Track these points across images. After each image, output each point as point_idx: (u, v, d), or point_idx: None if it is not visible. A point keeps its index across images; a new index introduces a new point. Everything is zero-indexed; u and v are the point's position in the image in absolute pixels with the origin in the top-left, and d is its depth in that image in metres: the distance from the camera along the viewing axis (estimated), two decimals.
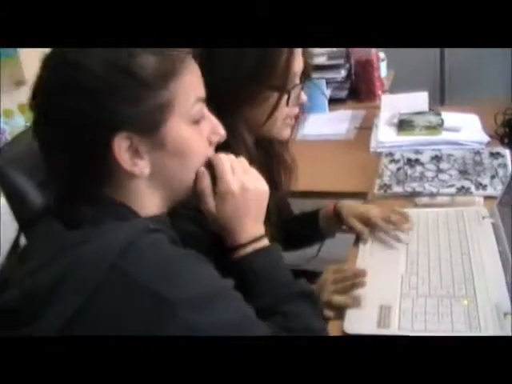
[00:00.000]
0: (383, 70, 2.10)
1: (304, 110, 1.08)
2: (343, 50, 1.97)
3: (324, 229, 1.23)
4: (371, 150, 1.56)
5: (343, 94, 2.02)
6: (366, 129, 1.73)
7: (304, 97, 1.02)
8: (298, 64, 0.98)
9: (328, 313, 0.93)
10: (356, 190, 1.38)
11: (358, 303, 0.93)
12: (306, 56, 1.02)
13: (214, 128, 0.75)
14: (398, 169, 1.39)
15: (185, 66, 0.68)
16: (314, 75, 1.92)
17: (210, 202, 0.76)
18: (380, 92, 1.99)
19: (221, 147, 0.91)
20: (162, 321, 0.57)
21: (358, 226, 1.14)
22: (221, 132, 0.76)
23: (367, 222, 1.13)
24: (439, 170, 1.35)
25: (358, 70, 1.98)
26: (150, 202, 0.70)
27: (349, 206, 1.17)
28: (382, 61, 2.07)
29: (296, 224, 1.27)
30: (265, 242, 0.80)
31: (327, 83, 1.98)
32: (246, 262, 0.77)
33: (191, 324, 0.58)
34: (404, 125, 1.58)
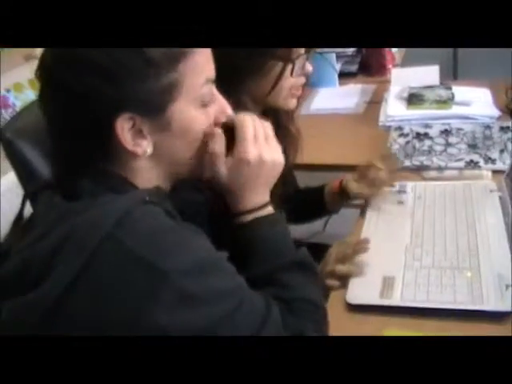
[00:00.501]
0: None
1: (310, 80, 1.07)
2: None
3: (329, 204, 1.23)
4: (380, 123, 1.55)
5: (354, 68, 1.99)
6: (375, 103, 1.72)
7: (309, 67, 1.02)
8: None
9: (332, 282, 0.93)
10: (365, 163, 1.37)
11: (360, 272, 0.93)
12: None
13: (221, 108, 0.73)
14: (407, 142, 1.38)
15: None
16: (324, 49, 1.93)
17: (221, 165, 0.74)
18: (391, 66, 1.96)
19: None
20: (154, 289, 0.57)
21: (366, 190, 1.14)
22: (228, 112, 0.74)
23: (373, 183, 1.14)
24: (448, 144, 1.33)
25: None
26: (150, 179, 0.70)
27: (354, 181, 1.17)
28: None
29: (301, 198, 1.28)
30: (269, 209, 0.79)
31: (337, 57, 1.95)
32: (247, 229, 0.76)
33: (183, 290, 0.58)
34: (414, 99, 1.56)
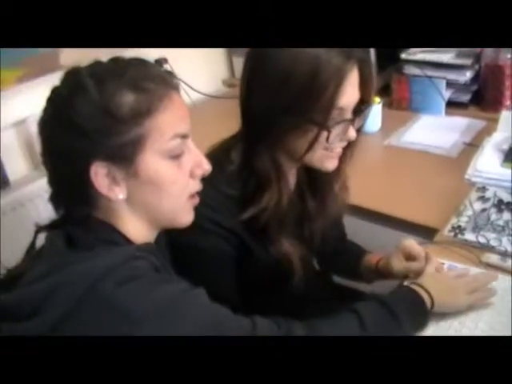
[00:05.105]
0: None
1: (358, 141, 0.97)
2: (474, 49, 1.73)
3: (363, 276, 1.15)
4: (466, 176, 1.38)
5: (466, 97, 1.79)
6: (475, 146, 1.54)
7: (353, 133, 0.92)
8: (347, 98, 0.88)
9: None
10: (426, 224, 1.24)
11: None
12: (366, 86, 0.92)
13: (197, 162, 0.78)
14: (483, 210, 1.22)
15: (163, 104, 0.72)
16: (435, 73, 1.76)
17: None
18: (509, 103, 1.74)
19: (262, 176, 0.89)
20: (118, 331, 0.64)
21: (413, 264, 1.03)
22: (205, 166, 0.78)
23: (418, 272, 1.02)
24: None
25: (486, 73, 1.73)
26: (135, 226, 0.76)
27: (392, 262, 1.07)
28: None
29: (339, 258, 1.20)
30: None
31: (449, 84, 1.77)
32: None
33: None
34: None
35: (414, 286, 0.91)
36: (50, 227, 0.80)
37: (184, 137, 0.75)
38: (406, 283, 0.97)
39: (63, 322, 0.65)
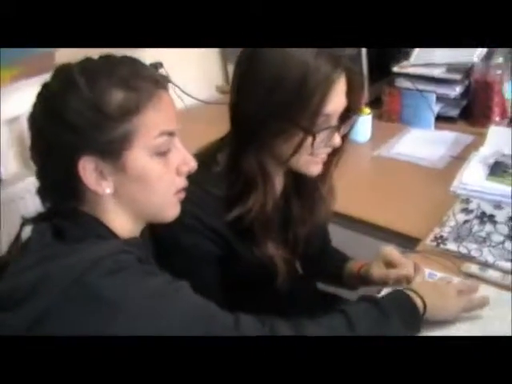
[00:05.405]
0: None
1: (343, 148, 0.99)
2: (465, 64, 1.76)
3: (346, 282, 1.17)
4: (451, 189, 1.40)
5: (454, 112, 1.82)
6: (462, 159, 1.56)
7: (337, 140, 0.94)
8: (333, 106, 0.90)
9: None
10: (409, 234, 1.26)
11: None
12: (353, 94, 0.94)
13: (184, 159, 0.80)
14: (465, 222, 1.24)
15: (151, 103, 0.74)
16: (426, 87, 1.79)
17: None
18: (498, 119, 1.77)
19: (249, 178, 0.91)
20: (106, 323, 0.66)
21: (392, 271, 1.05)
22: (191, 164, 0.80)
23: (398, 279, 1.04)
24: (511, 237, 1.18)
25: (475, 89, 1.76)
26: (121, 220, 0.78)
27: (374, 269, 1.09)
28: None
29: (324, 263, 1.22)
30: None
31: (439, 98, 1.80)
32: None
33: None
34: (497, 169, 1.39)
35: (406, 291, 0.92)
36: (36, 220, 0.81)
37: (171, 134, 0.77)
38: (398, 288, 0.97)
39: (48, 312, 0.66)
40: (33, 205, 0.85)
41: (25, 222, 0.82)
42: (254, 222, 0.96)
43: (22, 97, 1.74)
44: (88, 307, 0.66)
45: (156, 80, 0.76)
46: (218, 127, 1.00)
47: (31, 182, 0.82)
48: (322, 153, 0.95)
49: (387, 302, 0.87)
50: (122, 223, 0.78)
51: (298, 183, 1.07)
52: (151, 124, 0.74)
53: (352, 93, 0.93)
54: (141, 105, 0.73)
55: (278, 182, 1.04)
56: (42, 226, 0.78)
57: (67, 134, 0.71)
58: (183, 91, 1.99)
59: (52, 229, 0.76)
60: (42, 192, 0.80)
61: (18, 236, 0.83)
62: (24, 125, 1.70)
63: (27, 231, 0.83)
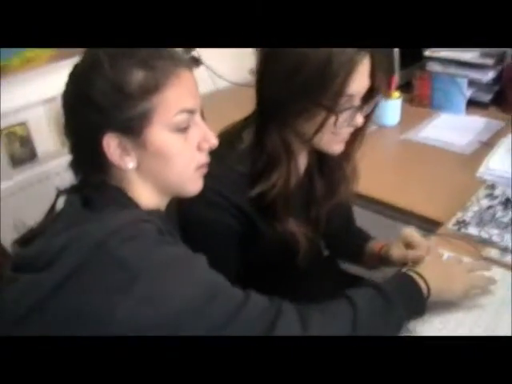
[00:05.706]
0: None
1: (365, 127, 1.01)
2: (497, 49, 1.73)
3: (366, 261, 1.19)
4: (477, 174, 1.40)
5: (487, 98, 1.80)
6: (491, 146, 1.55)
7: (360, 120, 0.96)
8: (357, 86, 0.92)
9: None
10: (432, 217, 1.27)
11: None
12: (377, 75, 0.95)
13: (204, 136, 0.83)
14: (489, 207, 1.24)
15: (171, 81, 0.77)
16: (458, 72, 1.77)
17: None
18: None
19: (272, 155, 0.94)
20: (127, 286, 0.68)
21: (410, 252, 1.06)
22: (212, 140, 0.83)
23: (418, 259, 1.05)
24: None
25: (508, 74, 1.74)
26: (145, 192, 0.82)
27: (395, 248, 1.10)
28: None
29: (345, 242, 1.24)
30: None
31: (471, 83, 1.78)
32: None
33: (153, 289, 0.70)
34: None
35: (410, 273, 0.93)
36: (70, 191, 0.86)
37: (191, 112, 0.80)
38: (403, 270, 0.99)
39: (74, 273, 0.70)
40: (68, 182, 0.89)
41: (59, 193, 0.88)
42: (277, 199, 0.99)
43: (60, 78, 1.82)
44: (108, 270, 0.70)
45: (176, 59, 0.79)
46: (249, 109, 1.03)
47: (66, 160, 0.87)
48: (345, 132, 0.97)
49: (390, 287, 0.88)
50: (147, 196, 0.83)
51: (322, 162, 1.09)
52: (170, 102, 0.77)
53: (376, 74, 0.94)
54: (160, 83, 0.76)
55: (302, 161, 1.06)
56: (73, 197, 0.83)
57: (92, 113, 0.76)
58: (214, 72, 2.02)
59: (82, 199, 0.81)
60: (75, 165, 0.85)
61: (53, 206, 0.88)
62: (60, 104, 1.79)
63: (62, 202, 0.89)
